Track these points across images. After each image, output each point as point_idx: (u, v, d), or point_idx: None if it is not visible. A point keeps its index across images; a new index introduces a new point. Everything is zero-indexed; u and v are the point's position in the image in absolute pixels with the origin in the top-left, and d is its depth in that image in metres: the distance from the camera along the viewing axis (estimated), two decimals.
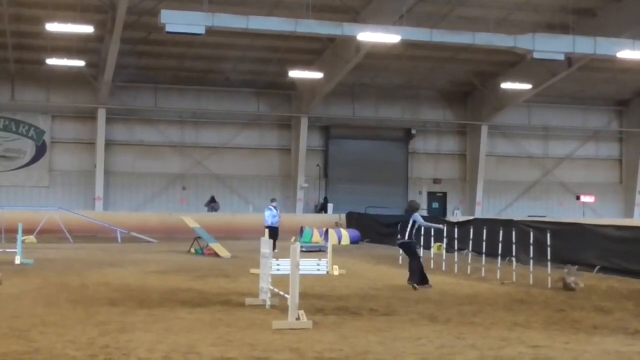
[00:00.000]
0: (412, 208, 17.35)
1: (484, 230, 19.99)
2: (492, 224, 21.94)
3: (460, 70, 42.21)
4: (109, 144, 40.95)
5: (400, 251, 18.90)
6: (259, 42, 35.96)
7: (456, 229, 22.37)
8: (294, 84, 41.50)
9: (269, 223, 26.65)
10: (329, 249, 20.01)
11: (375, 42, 31.61)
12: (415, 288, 15.88)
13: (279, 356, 8.95)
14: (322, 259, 15.66)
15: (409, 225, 16.75)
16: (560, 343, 10.09)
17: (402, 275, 17.22)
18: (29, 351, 8.91)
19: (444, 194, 46.81)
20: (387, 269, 21.05)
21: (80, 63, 36.17)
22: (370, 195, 42.75)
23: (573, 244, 20.50)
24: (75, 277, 17.27)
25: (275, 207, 27.56)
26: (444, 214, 44.05)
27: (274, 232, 25.11)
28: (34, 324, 10.74)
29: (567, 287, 16.07)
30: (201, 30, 27.08)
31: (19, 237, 21.51)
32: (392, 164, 45.19)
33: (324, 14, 30.89)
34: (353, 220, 38.48)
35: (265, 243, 13.29)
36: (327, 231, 32.99)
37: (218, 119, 43.17)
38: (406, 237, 16.85)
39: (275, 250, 19.35)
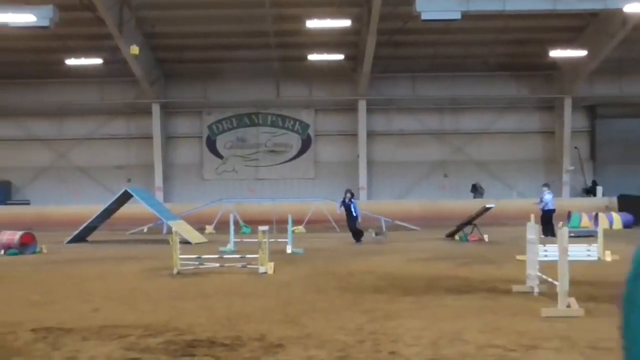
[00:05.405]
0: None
1: None
2: None
3: None
4: (369, 134, 41.79)
5: None
6: (516, 23, 35.06)
7: None
8: (555, 64, 40.02)
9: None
10: (600, 234, 19.08)
11: None
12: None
13: (549, 345, 8.57)
14: (593, 245, 14.91)
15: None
16: None
17: None
18: (302, 336, 9.19)
19: None
20: None
21: (339, 57, 37.23)
22: None
23: None
24: (341, 266, 17.70)
25: (545, 192, 26.61)
26: None
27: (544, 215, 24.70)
28: (305, 310, 11.07)
29: None
30: (457, 15, 26.91)
31: (289, 227, 22.49)
32: None
33: None
34: (626, 203, 36.48)
35: (532, 228, 12.86)
36: (596, 215, 31.55)
37: (476, 105, 42.63)
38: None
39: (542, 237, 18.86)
